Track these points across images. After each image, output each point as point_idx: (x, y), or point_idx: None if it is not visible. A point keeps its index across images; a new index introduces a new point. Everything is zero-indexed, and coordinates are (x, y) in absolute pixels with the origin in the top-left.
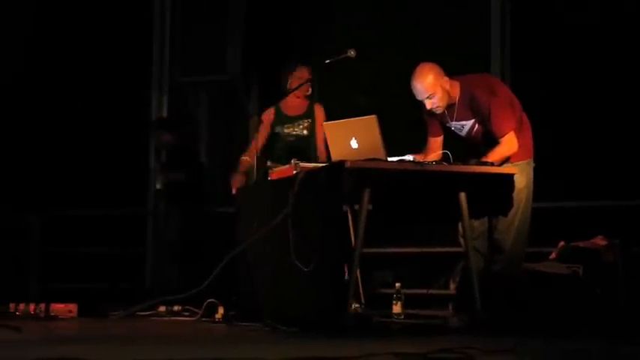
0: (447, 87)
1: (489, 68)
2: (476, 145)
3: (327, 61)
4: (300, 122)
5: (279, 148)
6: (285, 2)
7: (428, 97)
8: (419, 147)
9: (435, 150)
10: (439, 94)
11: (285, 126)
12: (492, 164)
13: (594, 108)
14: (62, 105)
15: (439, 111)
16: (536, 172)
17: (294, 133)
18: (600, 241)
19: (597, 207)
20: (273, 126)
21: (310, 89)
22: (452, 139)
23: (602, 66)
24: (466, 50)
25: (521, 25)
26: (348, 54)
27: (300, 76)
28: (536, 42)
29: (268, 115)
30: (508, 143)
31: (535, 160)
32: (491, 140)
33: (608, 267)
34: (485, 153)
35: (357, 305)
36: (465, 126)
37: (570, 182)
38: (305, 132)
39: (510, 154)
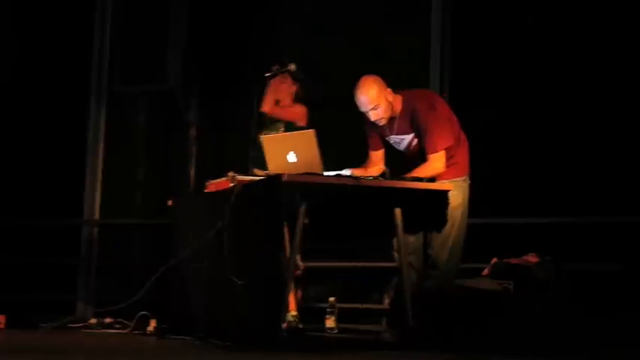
0: (391, 99)
1: (428, 84)
2: (413, 159)
3: (267, 74)
4: (274, 126)
5: (257, 155)
6: (228, 11)
7: (372, 109)
8: (358, 162)
9: (376, 163)
10: (383, 106)
11: (264, 131)
12: (424, 179)
13: (527, 127)
14: None
15: (382, 123)
16: (472, 189)
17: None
18: (532, 258)
19: (530, 224)
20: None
21: (292, 93)
22: (393, 154)
23: (533, 86)
24: (406, 68)
25: (460, 42)
26: (288, 67)
27: (280, 81)
28: (473, 61)
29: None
30: (436, 162)
31: (470, 178)
32: (426, 156)
33: (540, 284)
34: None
35: (290, 319)
36: (404, 140)
37: (503, 199)
38: None
39: (436, 174)
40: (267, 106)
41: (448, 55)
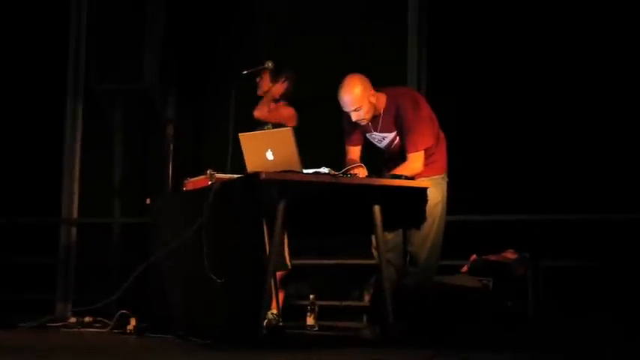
0: (374, 100)
1: (405, 83)
2: (393, 157)
3: (245, 72)
4: (262, 127)
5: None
6: (205, 10)
7: (354, 110)
8: (336, 161)
9: (354, 158)
10: (365, 107)
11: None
12: (405, 177)
13: (504, 125)
14: None
15: (364, 123)
16: (450, 186)
17: None
18: (511, 254)
19: (508, 221)
20: None
21: (273, 92)
22: (369, 151)
23: (510, 85)
24: (383, 68)
25: (437, 42)
26: (266, 65)
27: (265, 78)
28: (449, 60)
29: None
30: (415, 162)
31: (449, 176)
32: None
33: (518, 280)
34: (391, 168)
35: (271, 317)
36: (386, 138)
37: (482, 197)
38: None
39: (414, 174)
40: (258, 112)
41: (425, 55)
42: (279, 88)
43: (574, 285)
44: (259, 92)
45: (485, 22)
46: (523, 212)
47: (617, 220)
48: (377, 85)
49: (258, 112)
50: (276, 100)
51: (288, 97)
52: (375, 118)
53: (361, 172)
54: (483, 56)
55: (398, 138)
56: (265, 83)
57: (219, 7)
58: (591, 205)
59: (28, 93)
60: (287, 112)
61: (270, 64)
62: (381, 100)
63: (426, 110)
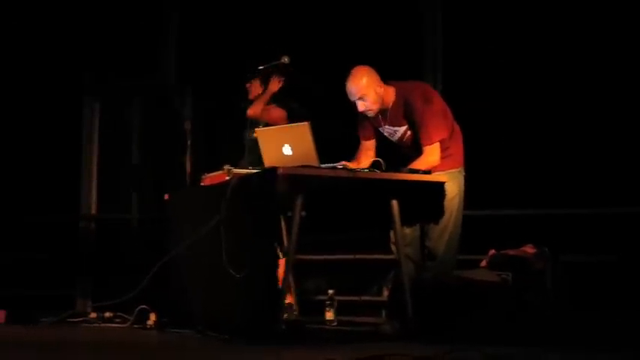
0: (381, 92)
1: (422, 76)
2: (406, 151)
3: (261, 67)
4: (257, 125)
5: (247, 154)
6: (219, 7)
7: (359, 99)
8: (352, 155)
9: (367, 152)
10: (371, 97)
11: (249, 131)
12: (424, 172)
13: (523, 119)
14: None
15: (371, 114)
16: (468, 180)
17: (250, 138)
18: (530, 249)
19: (527, 215)
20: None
21: (269, 91)
22: (384, 146)
23: (528, 80)
24: (399, 59)
25: (452, 41)
26: (282, 60)
27: (254, 84)
28: (466, 52)
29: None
30: (432, 154)
31: (466, 169)
32: (420, 148)
33: (537, 275)
34: (408, 162)
35: (290, 312)
36: (398, 131)
37: (501, 191)
38: None
39: (431, 167)
40: (251, 110)
41: (440, 54)
42: (274, 86)
43: (593, 279)
44: (250, 97)
45: (498, 22)
46: (542, 207)
47: (638, 214)
48: (391, 77)
49: (251, 111)
50: (268, 102)
51: (279, 99)
52: (384, 112)
53: (364, 163)
54: (499, 55)
55: (410, 131)
56: (255, 88)
57: (234, 6)
58: (611, 199)
59: (47, 92)
60: (277, 113)
61: (286, 59)
62: (389, 93)
63: (437, 104)
